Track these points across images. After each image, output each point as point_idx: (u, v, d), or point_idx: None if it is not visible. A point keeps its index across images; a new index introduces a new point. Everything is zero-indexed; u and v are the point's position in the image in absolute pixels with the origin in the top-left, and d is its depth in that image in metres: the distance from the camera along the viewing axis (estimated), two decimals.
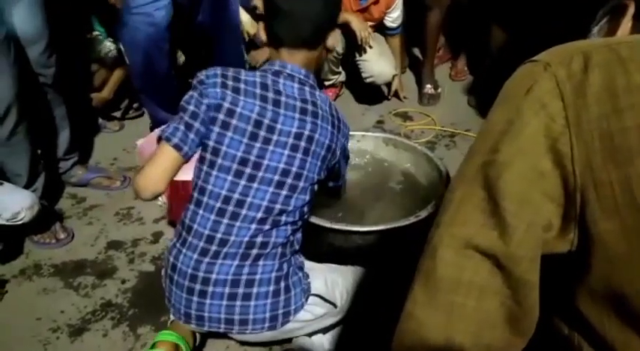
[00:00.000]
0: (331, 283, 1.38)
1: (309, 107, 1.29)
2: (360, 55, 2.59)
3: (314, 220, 1.52)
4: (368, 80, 2.64)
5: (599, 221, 0.49)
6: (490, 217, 0.52)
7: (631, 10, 0.63)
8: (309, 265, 1.40)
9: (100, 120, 2.60)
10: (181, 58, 2.65)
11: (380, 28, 2.71)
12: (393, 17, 2.63)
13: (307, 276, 1.36)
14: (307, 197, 1.30)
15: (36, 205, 1.70)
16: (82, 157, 2.23)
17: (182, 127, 1.22)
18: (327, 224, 1.51)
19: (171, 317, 1.40)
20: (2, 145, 1.77)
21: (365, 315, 1.44)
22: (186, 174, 1.75)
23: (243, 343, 1.45)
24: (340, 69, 2.74)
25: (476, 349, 0.52)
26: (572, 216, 0.51)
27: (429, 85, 2.84)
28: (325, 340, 1.44)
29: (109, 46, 2.45)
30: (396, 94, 2.86)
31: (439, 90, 2.87)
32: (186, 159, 1.24)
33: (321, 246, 1.53)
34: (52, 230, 1.86)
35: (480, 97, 2.76)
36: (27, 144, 1.83)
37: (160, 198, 1.87)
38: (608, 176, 0.48)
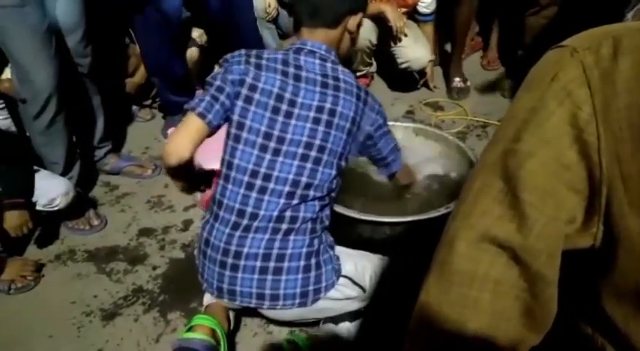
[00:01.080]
0: (362, 267, 1.38)
1: (330, 81, 1.31)
2: (395, 44, 2.56)
3: (342, 210, 1.51)
4: (403, 65, 2.59)
5: (627, 216, 0.46)
6: (508, 209, 0.50)
7: None
8: (339, 249, 1.40)
9: (133, 109, 2.65)
10: (203, 37, 2.66)
11: (412, 16, 2.66)
12: (427, 2, 2.58)
13: (338, 257, 1.36)
14: (333, 172, 1.31)
15: (71, 191, 1.75)
16: (115, 145, 2.27)
17: (207, 98, 1.26)
18: (356, 215, 1.50)
19: (205, 302, 1.42)
20: (41, 135, 1.83)
21: (391, 305, 1.43)
22: (215, 162, 1.77)
23: (270, 323, 1.46)
24: (372, 60, 2.71)
25: (489, 342, 0.50)
26: (596, 209, 0.48)
27: (457, 79, 2.78)
28: (352, 327, 1.43)
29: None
30: (426, 84, 2.81)
31: (468, 83, 2.81)
32: (211, 128, 1.26)
33: (349, 236, 1.52)
34: (86, 217, 1.90)
35: (512, 88, 2.69)
36: (65, 133, 1.87)
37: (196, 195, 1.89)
38: (637, 168, 0.45)
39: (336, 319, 1.42)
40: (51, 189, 1.69)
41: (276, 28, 2.88)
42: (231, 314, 1.42)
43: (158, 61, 2.24)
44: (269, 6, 2.71)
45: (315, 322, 1.45)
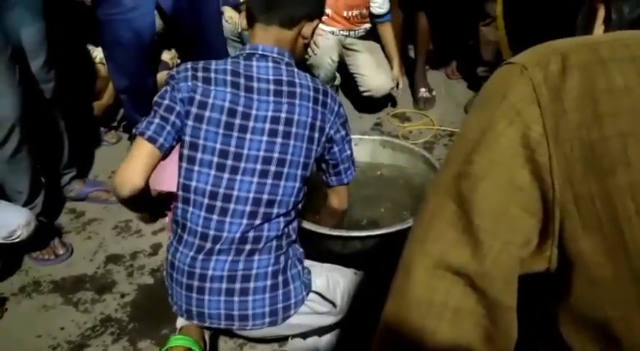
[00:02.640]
0: (333, 282, 1.36)
1: (285, 88, 1.26)
2: (358, 69, 2.58)
3: (311, 226, 1.50)
4: (365, 94, 2.61)
5: (580, 239, 0.45)
6: (462, 234, 0.48)
7: (601, 14, 0.60)
8: (310, 263, 1.38)
9: (100, 130, 2.61)
10: (175, 60, 2.65)
11: (371, 29, 2.68)
12: (379, 2, 2.53)
13: (309, 271, 1.34)
14: (297, 184, 1.27)
15: (32, 222, 1.70)
16: (80, 170, 2.22)
17: (156, 121, 1.21)
18: (325, 231, 1.50)
19: (179, 324, 1.40)
20: (5, 163, 1.78)
21: (361, 318, 1.42)
22: None
23: (244, 345, 1.44)
24: (336, 74, 2.73)
25: None
26: (550, 232, 0.47)
27: (422, 89, 2.81)
28: (321, 341, 1.42)
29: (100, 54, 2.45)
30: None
31: (434, 93, 2.85)
32: (163, 152, 1.22)
33: (319, 252, 1.51)
34: (50, 246, 1.85)
35: (471, 102, 2.73)
36: (29, 161, 1.83)
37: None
38: (589, 190, 0.44)
39: (305, 334, 1.41)
40: (11, 220, 1.64)
41: (242, 46, 2.88)
42: (207, 335, 1.40)
43: (129, 78, 2.20)
44: (235, 23, 2.71)
45: (284, 338, 1.43)
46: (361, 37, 2.64)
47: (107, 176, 2.35)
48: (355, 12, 2.54)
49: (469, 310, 0.48)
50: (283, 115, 1.25)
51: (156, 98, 1.25)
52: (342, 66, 2.70)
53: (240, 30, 2.72)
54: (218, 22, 2.41)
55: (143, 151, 1.20)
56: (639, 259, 0.43)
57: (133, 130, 1.23)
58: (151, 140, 1.19)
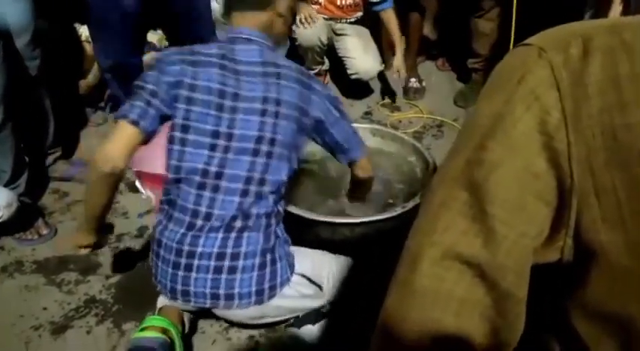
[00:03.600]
0: (319, 265, 1.37)
1: (271, 69, 1.29)
2: (346, 52, 2.56)
3: (299, 212, 1.50)
4: (353, 77, 2.60)
5: (601, 231, 0.43)
6: (474, 223, 0.46)
7: (617, 6, 0.59)
8: (297, 248, 1.39)
9: (86, 111, 2.56)
10: (163, 41, 2.61)
11: (362, 17, 2.67)
12: None
13: (292, 255, 1.35)
14: (286, 164, 1.29)
15: (14, 202, 1.67)
16: (65, 151, 2.18)
17: (139, 103, 1.21)
18: (314, 216, 1.50)
19: (159, 304, 1.39)
20: None
21: (354, 306, 1.43)
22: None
23: (229, 329, 1.43)
24: (324, 58, 2.71)
25: None
26: (564, 222, 0.45)
27: (413, 79, 2.81)
28: (315, 329, 1.43)
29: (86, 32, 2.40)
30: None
31: (424, 83, 2.85)
32: (146, 135, 1.22)
33: (307, 238, 1.51)
34: (34, 226, 1.82)
35: (462, 94, 2.74)
36: (13, 140, 1.79)
37: (143, 191, 1.84)
38: (612, 180, 0.42)
39: (299, 323, 1.41)
40: None
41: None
42: (186, 318, 1.39)
43: (114, 57, 2.17)
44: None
45: (278, 327, 1.43)
46: (351, 23, 2.63)
47: (93, 157, 2.32)
48: (349, 1, 2.53)
49: (476, 301, 0.46)
50: (272, 95, 1.27)
51: (139, 81, 1.25)
52: (332, 52, 2.69)
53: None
54: (207, 4, 2.37)
55: (125, 133, 1.20)
56: None
57: (115, 114, 1.23)
58: (134, 123, 1.20)
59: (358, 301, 1.43)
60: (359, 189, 1.60)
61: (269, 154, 1.26)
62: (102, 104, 2.64)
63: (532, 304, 0.49)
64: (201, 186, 1.23)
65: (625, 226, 0.42)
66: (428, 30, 2.97)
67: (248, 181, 1.25)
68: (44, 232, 1.83)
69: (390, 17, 2.58)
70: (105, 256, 1.76)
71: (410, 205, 1.52)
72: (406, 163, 1.88)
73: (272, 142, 1.26)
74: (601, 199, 0.42)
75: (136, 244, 1.81)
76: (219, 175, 1.24)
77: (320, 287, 1.35)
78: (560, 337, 0.52)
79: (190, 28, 2.32)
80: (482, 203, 0.45)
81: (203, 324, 1.48)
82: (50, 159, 2.09)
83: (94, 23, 2.14)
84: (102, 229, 1.43)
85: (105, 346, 1.44)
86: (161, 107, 1.22)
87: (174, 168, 1.25)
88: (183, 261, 1.24)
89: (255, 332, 1.46)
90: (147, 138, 1.23)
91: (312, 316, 1.41)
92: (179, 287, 1.26)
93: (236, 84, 1.25)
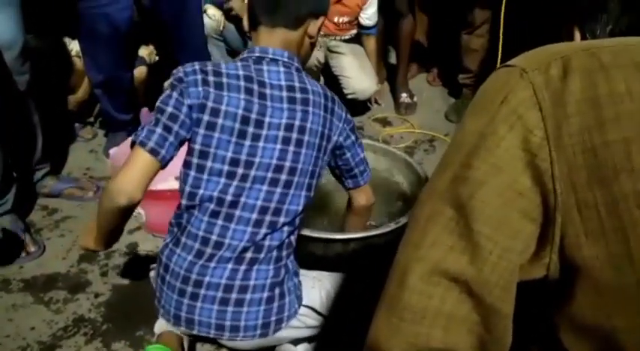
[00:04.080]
0: (326, 295, 1.34)
1: (298, 95, 1.22)
2: (342, 71, 2.57)
3: None
4: (350, 97, 2.60)
5: (583, 246, 0.44)
6: (460, 240, 0.47)
7: (577, 36, 0.61)
8: (303, 275, 1.36)
9: (75, 126, 2.54)
10: (152, 56, 2.60)
11: (357, 34, 2.69)
12: (369, 14, 2.56)
13: (300, 285, 1.32)
14: (303, 193, 1.24)
15: None
16: (54, 166, 2.16)
17: (159, 130, 1.13)
18: (307, 233, 1.48)
19: (157, 330, 1.36)
20: None
21: (350, 323, 1.41)
22: (161, 183, 1.72)
23: (221, 348, 1.41)
24: (320, 76, 2.73)
25: None
26: (549, 239, 0.46)
27: (404, 95, 2.83)
28: (311, 348, 1.40)
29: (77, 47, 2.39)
30: (375, 101, 2.86)
31: (415, 99, 2.87)
32: (164, 164, 1.16)
33: (300, 254, 1.50)
34: (22, 243, 1.79)
35: (453, 109, 2.76)
36: (0, 155, 1.76)
37: (141, 216, 1.82)
38: (593, 196, 0.43)
39: (295, 340, 1.38)
40: None
41: (224, 45, 2.86)
42: (185, 342, 1.36)
43: (105, 73, 2.16)
44: (218, 21, 2.69)
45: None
46: (345, 41, 2.65)
47: (82, 173, 2.30)
48: (346, 19, 2.55)
49: (463, 317, 0.47)
50: (297, 122, 1.21)
51: (159, 103, 1.17)
52: (325, 68, 2.70)
53: (222, 28, 2.69)
54: (198, 19, 2.39)
55: (143, 162, 1.13)
56: None
57: (132, 137, 1.16)
58: (153, 152, 1.13)
59: (352, 317, 1.41)
60: (358, 220, 1.55)
61: (287, 184, 1.21)
62: (91, 119, 2.63)
63: (519, 319, 0.50)
64: (215, 214, 1.19)
65: (607, 240, 0.43)
66: (421, 37, 3.00)
67: (263, 211, 1.20)
68: (32, 249, 1.79)
69: (369, 43, 2.68)
70: (94, 273, 1.73)
71: (403, 220, 1.52)
72: (398, 178, 1.88)
73: (292, 171, 1.21)
74: (583, 215, 0.44)
75: (126, 262, 1.78)
76: (234, 204, 1.19)
77: (325, 317, 1.33)
78: (547, 350, 0.52)
79: (181, 42, 2.33)
80: (467, 220, 0.47)
81: (195, 346, 1.45)
82: (38, 175, 2.05)
83: (84, 38, 2.14)
84: (116, 237, 1.38)
85: None
86: (180, 132, 1.15)
87: (189, 195, 1.20)
88: (189, 289, 1.20)
89: None
90: (164, 166, 1.17)
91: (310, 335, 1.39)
92: (184, 315, 1.22)
93: (261, 110, 1.19)
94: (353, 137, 1.35)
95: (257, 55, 1.24)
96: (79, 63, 2.39)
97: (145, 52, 2.57)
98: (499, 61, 2.18)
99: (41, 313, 1.58)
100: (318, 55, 2.50)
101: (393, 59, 3.12)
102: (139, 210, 1.88)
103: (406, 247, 0.51)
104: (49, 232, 1.93)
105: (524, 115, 0.46)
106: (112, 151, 2.00)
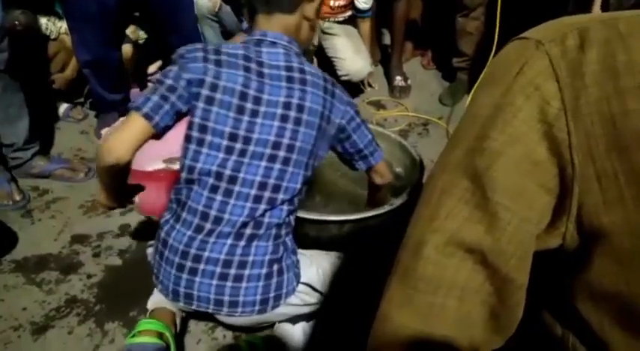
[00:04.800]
0: (323, 272, 1.35)
1: (296, 74, 1.25)
2: (336, 52, 2.55)
3: None
4: (344, 78, 2.58)
5: (602, 214, 0.44)
6: (476, 210, 0.47)
7: (597, 4, 0.60)
8: (301, 254, 1.36)
9: (64, 108, 2.50)
10: (136, 33, 2.57)
11: (352, 16, 2.67)
12: None
13: (299, 263, 1.33)
14: (302, 171, 1.25)
15: None
16: (43, 147, 2.13)
17: (155, 98, 1.16)
18: (302, 214, 1.48)
19: (150, 306, 1.36)
20: None
21: (347, 303, 1.42)
22: (151, 164, 1.70)
23: (215, 328, 1.41)
24: (314, 58, 2.70)
25: (454, 348, 0.48)
26: (566, 208, 0.46)
27: (398, 78, 2.82)
28: (308, 326, 1.41)
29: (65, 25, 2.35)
30: (368, 84, 2.84)
31: (409, 82, 2.85)
32: (157, 131, 1.18)
33: (295, 237, 1.49)
34: (7, 191, 1.78)
35: (448, 93, 2.75)
36: None
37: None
38: (612, 165, 0.43)
39: (293, 319, 1.39)
40: None
41: (219, 26, 2.82)
42: (178, 318, 1.36)
43: (93, 52, 2.13)
44: (214, 2, 2.65)
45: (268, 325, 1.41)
46: (339, 22, 2.62)
47: (73, 154, 2.27)
48: (341, 2, 2.52)
49: (477, 288, 0.47)
50: (295, 101, 1.22)
51: (159, 76, 1.21)
52: (319, 50, 2.67)
53: (217, 9, 2.65)
54: (190, 1, 2.34)
55: (135, 125, 1.15)
56: None
57: (129, 104, 1.18)
58: (147, 117, 1.15)
59: (349, 298, 1.42)
60: (378, 196, 1.58)
61: (286, 161, 1.22)
62: (81, 100, 2.59)
63: (532, 288, 0.50)
64: (214, 189, 1.20)
65: (626, 208, 0.43)
66: (415, 19, 2.98)
67: (262, 186, 1.21)
68: (17, 198, 1.79)
69: (364, 25, 2.66)
70: (86, 255, 1.72)
71: (398, 202, 1.52)
72: (393, 160, 1.87)
73: (290, 148, 1.22)
74: (602, 184, 0.44)
75: (118, 243, 1.77)
76: (232, 179, 1.20)
77: (323, 295, 1.33)
78: (563, 320, 0.53)
79: (172, 23, 2.29)
80: (484, 190, 0.47)
81: (188, 323, 1.46)
82: (27, 154, 2.03)
83: (72, 17, 2.10)
84: (124, 194, 1.37)
85: (87, 347, 1.41)
86: (177, 103, 1.18)
87: (189, 168, 1.21)
88: (188, 264, 1.21)
89: (240, 332, 1.44)
90: (158, 134, 1.19)
91: (307, 314, 1.39)
92: (182, 290, 1.22)
93: (259, 87, 1.21)
94: (358, 119, 1.35)
95: (257, 38, 1.26)
96: (67, 41, 2.35)
97: (129, 29, 2.53)
98: (495, 43, 2.17)
99: (33, 293, 1.57)
100: (313, 38, 2.47)
101: (387, 41, 3.11)
102: None
103: (420, 220, 0.51)
104: (40, 214, 1.91)
105: (542, 86, 0.45)
106: (103, 131, 1.98)
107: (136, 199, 1.83)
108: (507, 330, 0.50)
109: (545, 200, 0.47)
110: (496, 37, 2.18)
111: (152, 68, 2.76)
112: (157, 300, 1.33)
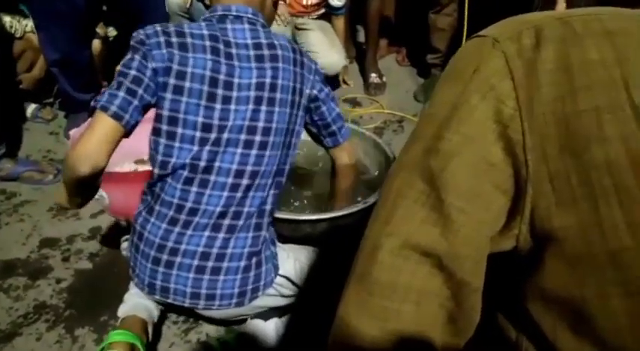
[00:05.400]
0: (300, 265, 1.34)
1: (266, 52, 1.18)
2: (310, 46, 2.53)
3: None
4: None
5: (554, 216, 0.44)
6: (431, 212, 0.46)
7: (561, 4, 0.60)
8: (279, 246, 1.34)
9: (32, 108, 2.44)
10: (112, 32, 2.52)
11: (326, 13, 2.66)
12: None
13: (277, 255, 1.31)
14: (280, 152, 1.21)
15: None
16: (10, 149, 2.08)
17: (122, 94, 1.06)
18: (275, 214, 1.46)
19: (120, 314, 1.32)
20: None
21: (320, 299, 1.41)
22: (122, 164, 1.67)
23: (188, 331, 1.39)
24: None
25: None
26: (519, 210, 0.45)
27: (373, 75, 2.82)
28: (280, 322, 1.40)
29: (31, 23, 2.29)
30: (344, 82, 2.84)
31: (384, 79, 2.86)
32: (128, 129, 1.09)
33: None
34: None
35: (422, 90, 2.76)
36: None
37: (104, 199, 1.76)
38: (565, 166, 0.43)
39: (265, 315, 1.38)
40: None
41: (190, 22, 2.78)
42: (150, 327, 1.32)
43: (61, 50, 2.07)
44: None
45: (243, 319, 1.40)
46: (313, 19, 2.61)
47: (42, 155, 2.22)
48: (314, 0, 2.51)
49: (434, 292, 0.46)
50: (267, 80, 1.17)
51: (121, 67, 1.10)
52: None
53: (188, 5, 2.61)
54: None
55: (106, 127, 1.05)
56: (615, 238, 0.42)
57: (92, 103, 1.07)
58: (116, 117, 1.05)
59: (323, 293, 1.41)
60: (345, 180, 1.51)
61: (262, 145, 1.18)
62: (50, 100, 2.53)
63: (487, 289, 0.50)
64: (189, 181, 1.15)
65: (578, 210, 0.43)
66: (389, 16, 2.98)
67: (239, 174, 1.16)
68: None
69: (338, 22, 2.66)
70: (55, 259, 1.68)
71: (371, 200, 1.51)
72: (367, 158, 1.87)
73: (266, 131, 1.17)
74: (555, 186, 0.43)
75: (89, 246, 1.73)
76: (208, 170, 1.15)
77: (300, 287, 1.32)
78: (516, 323, 0.52)
79: (143, 18, 2.25)
80: (439, 192, 0.46)
81: (162, 327, 1.43)
82: None
83: (39, 14, 2.04)
84: (88, 197, 1.27)
85: None
86: (145, 97, 1.09)
87: (161, 163, 1.15)
88: (164, 257, 1.17)
89: (213, 331, 1.42)
90: (128, 133, 1.11)
91: (279, 309, 1.38)
92: (159, 283, 1.19)
93: (229, 70, 1.13)
94: (326, 89, 1.31)
95: (220, 13, 1.18)
96: (34, 39, 2.29)
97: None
98: (464, 40, 2.18)
99: (0, 300, 1.53)
100: (285, 33, 2.45)
101: (362, 39, 3.10)
102: (102, 193, 1.82)
103: (376, 222, 0.50)
104: (8, 217, 1.86)
105: (497, 85, 0.45)
106: (71, 132, 1.93)
107: (106, 200, 1.80)
108: (465, 333, 0.49)
109: (501, 202, 0.46)
110: (464, 33, 2.19)
111: None
112: (127, 309, 1.30)
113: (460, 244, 0.45)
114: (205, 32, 1.14)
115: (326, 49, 2.52)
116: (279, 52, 1.20)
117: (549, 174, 0.43)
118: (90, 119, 1.10)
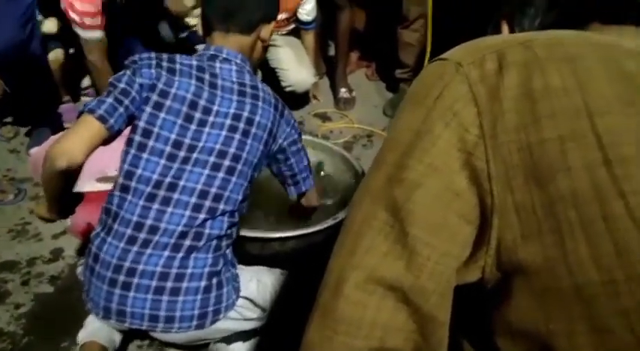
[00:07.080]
0: (263, 287, 1.31)
1: (249, 90, 1.26)
2: (279, 63, 2.53)
3: None
4: (288, 89, 2.56)
5: (520, 249, 0.42)
6: (396, 244, 0.44)
7: (505, 29, 0.60)
8: (240, 268, 1.32)
9: None
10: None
11: (295, 28, 2.66)
12: (307, 9, 2.52)
13: (238, 277, 1.28)
14: (245, 183, 1.24)
15: None
16: None
17: (110, 100, 1.14)
18: (243, 232, 1.44)
19: (80, 340, 1.27)
20: None
21: (286, 322, 1.39)
22: (86, 184, 1.62)
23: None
24: (257, 70, 2.67)
25: None
26: (485, 241, 0.44)
27: (343, 89, 2.83)
28: (244, 347, 1.36)
29: None
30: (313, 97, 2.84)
31: (354, 93, 2.87)
32: (111, 134, 1.15)
33: (236, 254, 1.45)
34: None
35: (390, 104, 2.78)
36: None
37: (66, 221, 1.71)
38: (530, 197, 0.41)
39: (229, 339, 1.34)
40: None
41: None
42: None
43: (4, 50, 1.91)
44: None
45: (205, 344, 1.36)
46: (282, 35, 2.61)
47: (1, 175, 2.14)
48: (284, 15, 2.51)
49: (399, 326, 0.44)
50: (245, 114, 1.24)
51: (112, 79, 1.19)
52: (263, 62, 2.65)
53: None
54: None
55: (89, 127, 1.13)
56: (581, 272, 0.40)
57: (80, 109, 1.16)
58: (101, 119, 1.13)
59: (289, 318, 1.38)
60: (302, 214, 1.60)
61: (230, 170, 1.20)
62: (10, 119, 2.45)
63: (457, 326, 0.48)
64: (151, 198, 1.15)
65: (543, 243, 0.41)
66: (359, 31, 3.00)
67: (203, 195, 1.17)
68: None
69: (308, 38, 2.66)
70: (14, 283, 1.62)
71: (340, 216, 1.51)
72: (336, 173, 1.87)
73: (236, 158, 1.21)
74: (521, 217, 0.42)
75: (50, 269, 1.67)
76: (172, 187, 1.16)
77: (264, 310, 1.30)
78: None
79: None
80: (403, 224, 0.44)
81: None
82: None
83: None
84: (67, 205, 1.33)
85: None
86: (130, 108, 1.16)
87: (126, 173, 1.17)
88: (121, 278, 1.13)
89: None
90: (110, 138, 1.16)
91: (244, 333, 1.35)
92: (114, 306, 1.15)
93: (210, 97, 1.21)
94: (299, 145, 1.39)
95: (211, 53, 1.28)
96: None
97: (51, 24, 2.29)
98: (427, 56, 2.22)
99: None
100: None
101: (332, 53, 3.12)
102: None
103: (340, 252, 0.47)
104: None
105: (460, 112, 0.43)
106: (32, 150, 1.88)
107: (68, 220, 1.74)
108: None
109: (466, 232, 0.44)
110: (428, 49, 2.22)
111: (86, 82, 2.64)
112: (86, 334, 1.25)
113: (426, 278, 0.44)
114: (194, 63, 1.25)
115: (295, 66, 2.51)
116: (261, 94, 1.28)
117: (515, 205, 0.42)
118: (54, 136, 1.18)
